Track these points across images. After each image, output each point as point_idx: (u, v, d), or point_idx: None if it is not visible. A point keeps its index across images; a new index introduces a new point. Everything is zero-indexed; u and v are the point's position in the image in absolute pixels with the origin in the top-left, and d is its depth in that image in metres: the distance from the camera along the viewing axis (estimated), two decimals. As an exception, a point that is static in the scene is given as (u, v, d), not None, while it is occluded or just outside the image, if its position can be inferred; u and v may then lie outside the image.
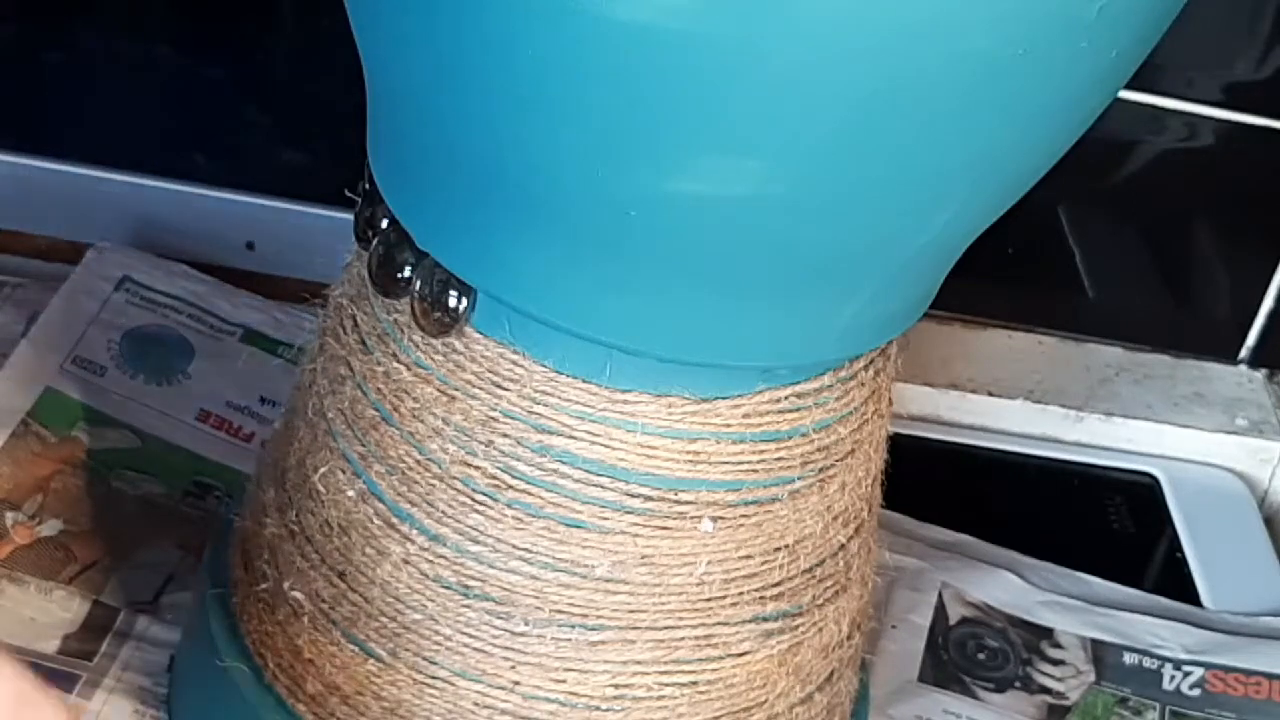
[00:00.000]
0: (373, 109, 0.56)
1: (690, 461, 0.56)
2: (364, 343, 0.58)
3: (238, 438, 0.82)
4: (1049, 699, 0.81)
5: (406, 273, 0.56)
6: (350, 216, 0.59)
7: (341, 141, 0.68)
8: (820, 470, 0.58)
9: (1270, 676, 0.83)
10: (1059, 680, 0.81)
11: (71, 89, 0.92)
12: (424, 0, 0.48)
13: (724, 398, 0.55)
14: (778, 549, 0.58)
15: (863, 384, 0.59)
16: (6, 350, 0.83)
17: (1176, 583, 0.89)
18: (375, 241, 0.57)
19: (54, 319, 0.85)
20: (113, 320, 0.86)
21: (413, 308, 0.56)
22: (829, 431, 0.58)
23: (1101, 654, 0.83)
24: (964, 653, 0.82)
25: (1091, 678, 0.82)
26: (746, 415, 0.56)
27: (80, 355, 0.84)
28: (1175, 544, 0.91)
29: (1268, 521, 0.95)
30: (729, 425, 0.56)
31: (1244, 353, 1.01)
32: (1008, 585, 0.85)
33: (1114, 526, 0.93)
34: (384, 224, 0.57)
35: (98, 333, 0.85)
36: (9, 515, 0.76)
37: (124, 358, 0.84)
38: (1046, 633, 0.83)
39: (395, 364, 0.57)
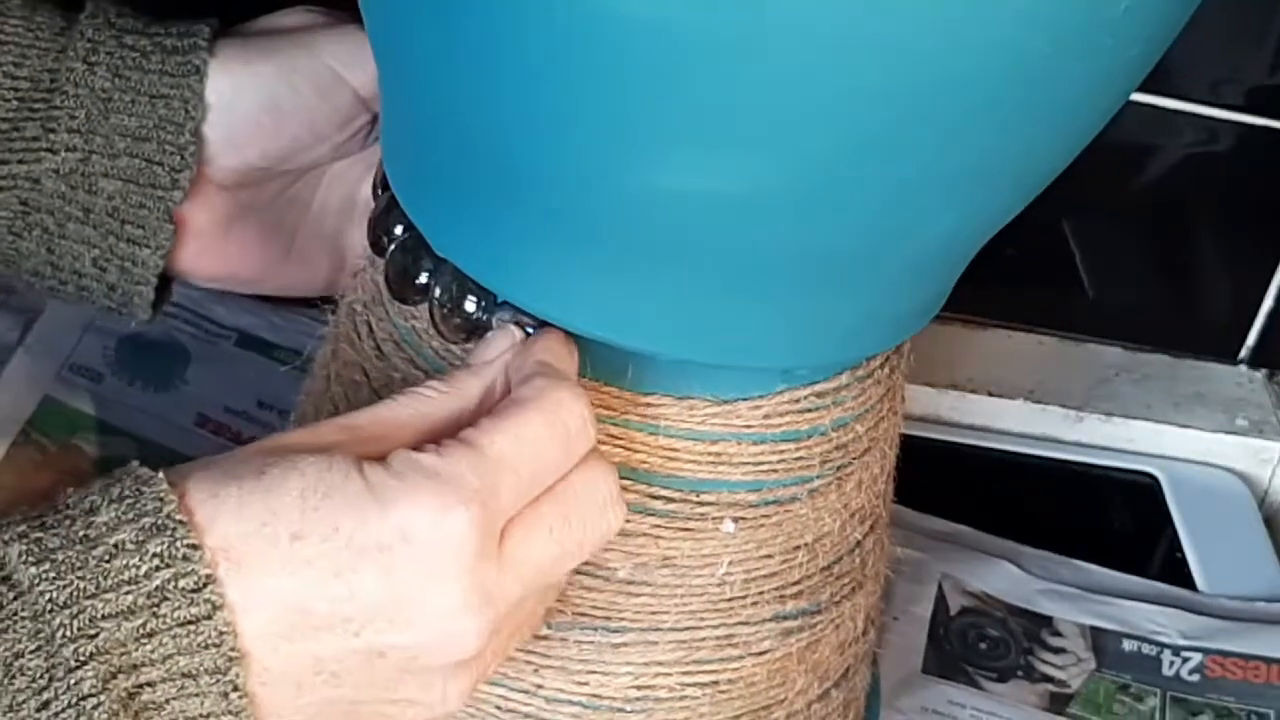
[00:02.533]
0: (387, 113, 0.56)
1: (712, 463, 0.56)
2: (379, 349, 0.58)
3: (236, 442, 0.82)
4: (1051, 687, 0.81)
5: (424, 279, 0.56)
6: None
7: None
8: (838, 468, 0.59)
9: (1269, 660, 0.84)
10: (1060, 668, 0.82)
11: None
12: (438, 4, 0.48)
13: (744, 399, 0.56)
14: (797, 547, 0.59)
15: (879, 382, 0.59)
16: (4, 358, 0.82)
17: (1177, 583, 0.89)
18: (392, 248, 0.57)
19: (50, 326, 0.84)
20: (108, 326, 0.85)
21: (432, 314, 0.56)
22: (847, 430, 0.58)
23: (1101, 641, 0.83)
24: (965, 643, 0.82)
25: (1092, 665, 0.82)
26: (767, 416, 0.56)
27: (77, 362, 0.83)
28: (1175, 544, 0.91)
29: (1268, 521, 0.95)
30: (749, 426, 0.56)
31: (1244, 353, 1.02)
32: (1006, 574, 0.86)
33: (1114, 526, 0.93)
34: (399, 230, 0.57)
35: (93, 339, 0.84)
36: (11, 526, 0.75)
37: (120, 364, 0.84)
38: (1046, 621, 0.84)
39: (414, 370, 0.57)
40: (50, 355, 0.83)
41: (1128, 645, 0.83)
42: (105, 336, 0.85)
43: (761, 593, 0.59)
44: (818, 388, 0.57)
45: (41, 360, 0.83)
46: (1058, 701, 0.80)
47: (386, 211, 0.57)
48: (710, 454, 0.56)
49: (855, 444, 0.59)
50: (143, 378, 0.84)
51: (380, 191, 0.59)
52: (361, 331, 0.59)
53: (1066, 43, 0.46)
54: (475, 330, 0.55)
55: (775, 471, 0.57)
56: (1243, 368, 1.02)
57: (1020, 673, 0.81)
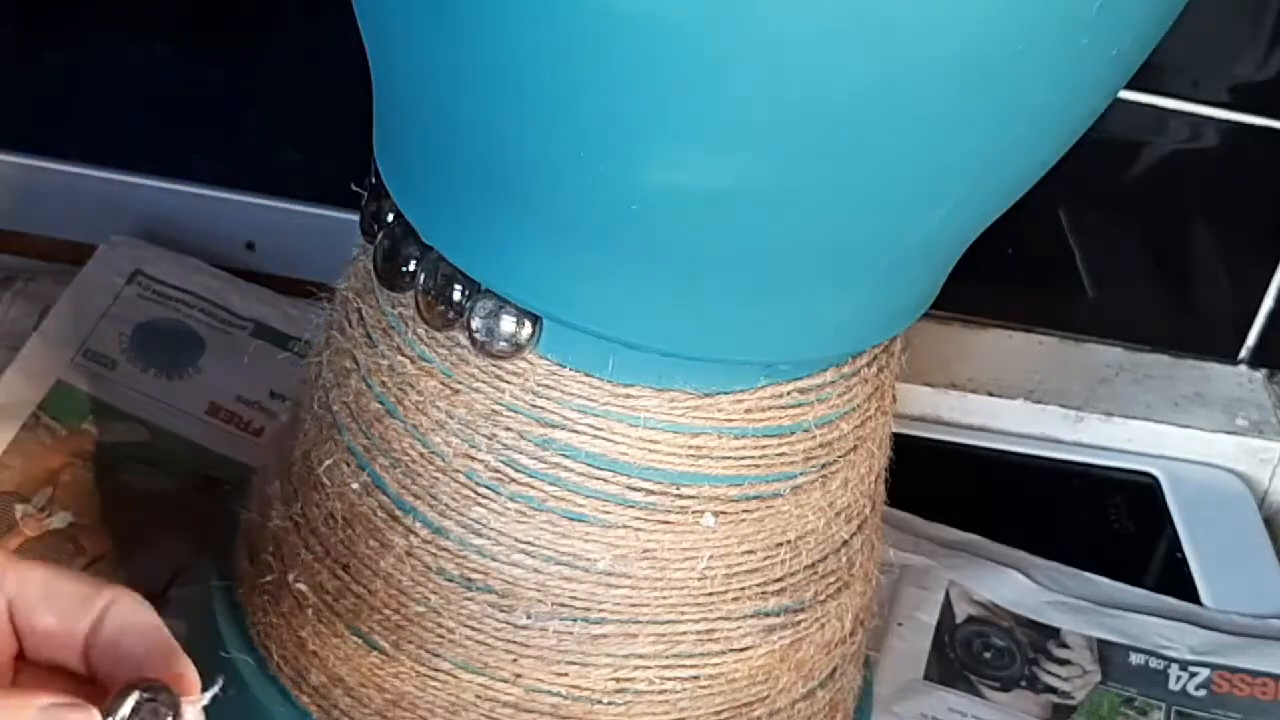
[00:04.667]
0: (378, 104, 0.57)
1: (692, 456, 0.56)
2: (369, 336, 0.59)
3: (247, 432, 0.83)
4: (1054, 698, 0.81)
5: (411, 266, 0.56)
6: (350, 216, 0.59)
7: (341, 141, 0.69)
8: (823, 466, 0.58)
9: (1277, 677, 0.83)
10: (1065, 680, 0.82)
11: (72, 89, 0.92)
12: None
13: (726, 392, 0.56)
14: (780, 544, 0.59)
15: (865, 380, 0.59)
16: (18, 343, 0.83)
17: (1176, 583, 0.89)
18: (380, 235, 0.57)
19: (65, 312, 0.85)
20: (124, 314, 0.86)
21: (417, 301, 0.56)
22: (832, 427, 0.58)
23: (1108, 654, 0.83)
24: (970, 651, 0.82)
25: (1097, 677, 0.82)
26: (749, 410, 0.56)
27: (91, 348, 0.84)
28: (1175, 544, 0.91)
29: (1268, 521, 0.95)
30: (731, 420, 0.56)
31: (1244, 353, 1.01)
32: (1015, 585, 0.85)
33: (1114, 526, 0.93)
34: (389, 218, 0.57)
35: (109, 326, 0.85)
36: (19, 507, 0.76)
37: (135, 351, 0.85)
38: (1053, 632, 0.83)
39: (400, 357, 0.57)
40: (65, 341, 0.84)
41: (1135, 659, 0.83)
42: (121, 324, 0.86)
43: (743, 588, 0.59)
44: (801, 384, 0.57)
45: (56, 345, 0.83)
46: (1060, 713, 0.80)
47: (377, 198, 0.58)
48: (691, 447, 0.56)
49: (841, 442, 0.59)
50: (156, 365, 0.84)
51: (373, 178, 0.59)
52: (352, 319, 0.60)
53: (1042, 42, 0.46)
54: (459, 318, 0.55)
55: (757, 466, 0.57)
56: (1243, 368, 1.02)
57: (1024, 683, 0.81)
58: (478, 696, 0.59)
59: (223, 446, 0.81)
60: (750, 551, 0.58)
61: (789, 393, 0.57)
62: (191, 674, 0.48)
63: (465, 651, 0.58)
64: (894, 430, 0.62)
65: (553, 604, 0.57)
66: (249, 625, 0.64)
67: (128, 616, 0.49)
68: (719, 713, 0.60)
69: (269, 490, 0.64)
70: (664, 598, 0.58)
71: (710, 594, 0.58)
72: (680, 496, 0.56)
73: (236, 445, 0.81)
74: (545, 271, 0.53)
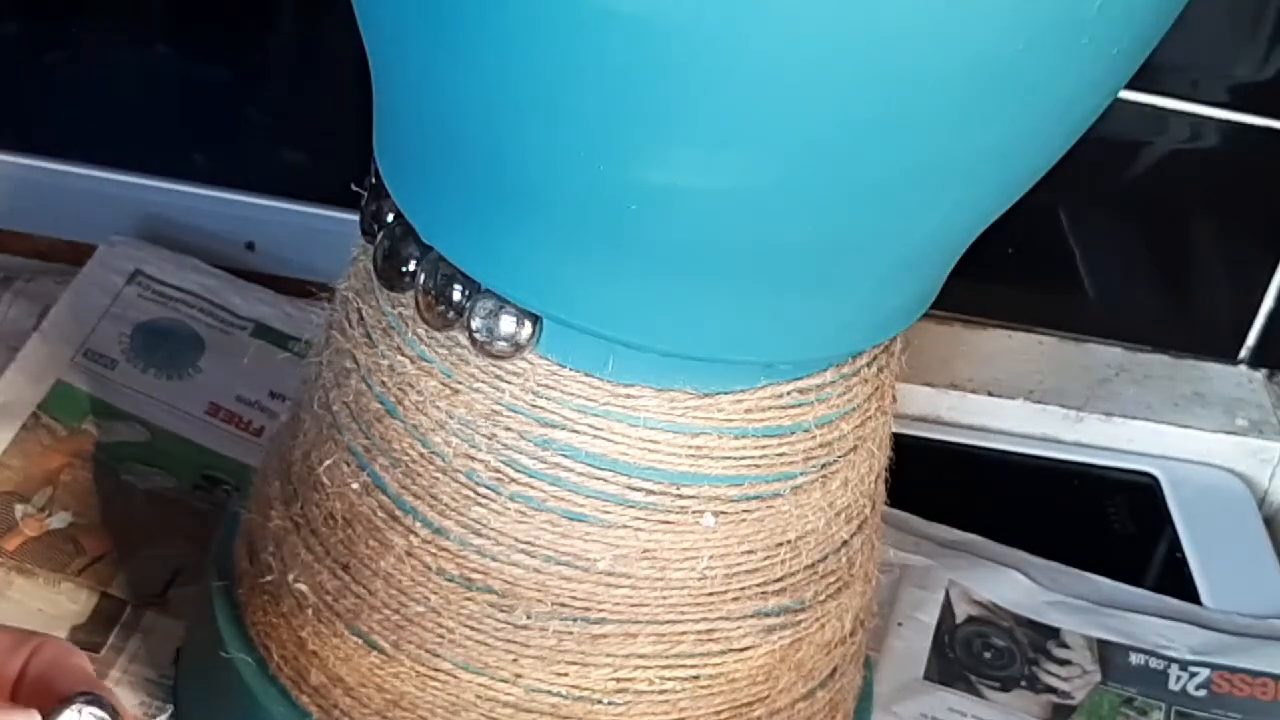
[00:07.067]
0: (378, 104, 0.57)
1: (692, 456, 0.56)
2: (369, 336, 0.59)
3: (247, 432, 0.83)
4: (1054, 698, 0.81)
5: (411, 266, 0.56)
6: (350, 216, 0.59)
7: (341, 141, 0.69)
8: (823, 466, 0.58)
9: (1277, 678, 0.83)
10: (1065, 680, 0.81)
11: (72, 89, 0.92)
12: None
13: (726, 392, 0.56)
14: (780, 544, 0.59)
15: (865, 380, 0.59)
16: (18, 343, 0.83)
17: (1177, 583, 0.89)
18: (380, 235, 0.57)
19: (65, 312, 0.85)
20: (124, 314, 0.86)
21: (417, 301, 0.56)
22: (832, 427, 0.58)
23: (1108, 654, 0.83)
24: (970, 651, 0.82)
25: (1097, 678, 0.82)
26: (749, 410, 0.56)
27: (91, 348, 0.84)
28: (1175, 544, 0.91)
29: (1268, 521, 0.95)
30: (731, 420, 0.56)
31: (1244, 353, 1.01)
32: (1015, 585, 0.85)
33: (1114, 526, 0.93)
34: (389, 218, 0.57)
35: (109, 326, 0.85)
36: (19, 507, 0.76)
37: (135, 351, 0.85)
38: (1053, 632, 0.83)
39: (400, 357, 0.57)
40: (65, 341, 0.84)
41: (1135, 659, 0.83)
42: (121, 324, 0.86)
43: (743, 588, 0.59)
44: (801, 383, 0.57)
45: (56, 345, 0.83)
46: (1060, 713, 0.80)
47: (377, 198, 0.58)
48: (691, 447, 0.56)
49: (841, 442, 0.59)
50: (156, 365, 0.84)
51: (373, 178, 0.59)
52: (352, 319, 0.60)
53: (1042, 43, 0.46)
54: (459, 318, 0.55)
55: (757, 466, 0.57)
56: (1243, 368, 1.02)
57: (1024, 683, 0.81)
58: (478, 696, 0.59)
59: (223, 446, 0.81)
60: (750, 551, 0.58)
61: (789, 393, 0.57)
62: (121, 708, 0.48)
63: (465, 651, 0.58)
64: (894, 430, 0.62)
65: (553, 604, 0.57)
66: (249, 625, 0.64)
67: (55, 658, 0.49)
68: (719, 713, 0.60)
69: (269, 490, 0.64)
70: (664, 598, 0.58)
71: (710, 594, 0.58)
72: (680, 496, 0.56)
73: (236, 445, 0.81)
74: (545, 271, 0.53)
